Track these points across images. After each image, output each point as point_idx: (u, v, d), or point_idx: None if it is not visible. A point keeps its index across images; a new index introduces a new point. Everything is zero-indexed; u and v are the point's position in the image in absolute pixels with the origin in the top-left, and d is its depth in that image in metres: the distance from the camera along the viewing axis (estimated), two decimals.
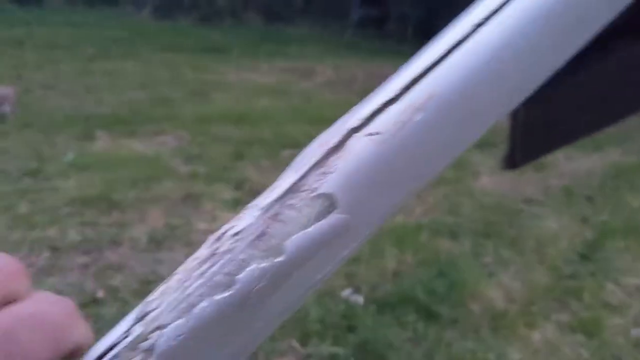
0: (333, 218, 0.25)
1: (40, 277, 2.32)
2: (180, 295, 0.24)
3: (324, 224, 0.25)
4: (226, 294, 0.23)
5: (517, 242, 2.87)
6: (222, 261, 0.24)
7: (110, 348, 0.23)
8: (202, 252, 0.26)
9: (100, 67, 6.60)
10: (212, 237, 0.26)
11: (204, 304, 0.23)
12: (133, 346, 0.23)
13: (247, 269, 0.24)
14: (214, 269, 0.24)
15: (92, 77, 6.06)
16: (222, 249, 0.25)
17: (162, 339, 0.23)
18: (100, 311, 2.12)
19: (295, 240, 0.24)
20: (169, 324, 0.23)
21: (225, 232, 0.26)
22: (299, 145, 3.88)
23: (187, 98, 5.48)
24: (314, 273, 0.25)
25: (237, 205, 3.15)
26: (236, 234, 0.26)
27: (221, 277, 0.24)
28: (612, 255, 2.76)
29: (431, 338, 2.06)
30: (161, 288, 0.25)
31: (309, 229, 0.25)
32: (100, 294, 2.23)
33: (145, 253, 2.58)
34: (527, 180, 3.87)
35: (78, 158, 3.60)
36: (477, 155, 4.36)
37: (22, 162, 3.49)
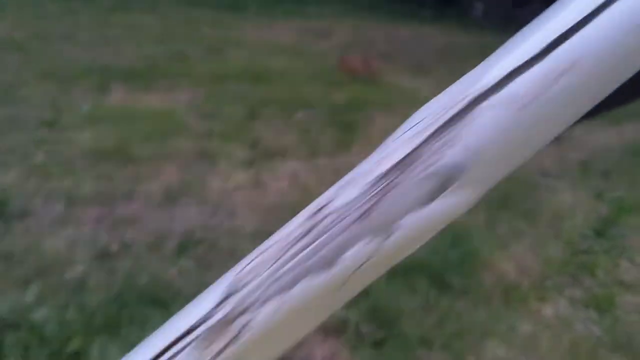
0: (455, 196, 0.22)
1: (55, 229, 2.34)
2: (274, 272, 0.22)
3: (443, 202, 0.22)
4: (325, 274, 0.21)
5: (532, 215, 2.84)
6: (322, 238, 0.22)
7: (196, 326, 0.22)
8: (298, 226, 0.23)
9: (119, 20, 6.52)
10: (308, 210, 0.23)
11: (301, 284, 0.21)
12: (222, 326, 0.21)
13: (352, 249, 0.21)
14: (313, 246, 0.22)
15: (110, 30, 6.00)
16: (322, 225, 0.22)
17: (254, 320, 0.21)
18: (114, 265, 2.14)
19: (409, 220, 0.22)
20: (263, 303, 0.21)
21: (325, 205, 0.23)
22: (313, 107, 3.85)
23: (204, 54, 5.41)
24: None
25: (252, 165, 3.13)
26: (339, 208, 0.23)
27: (320, 256, 0.21)
28: (626, 232, 2.73)
29: (443, 306, 2.06)
30: (252, 263, 0.23)
31: (426, 208, 0.22)
32: (113, 247, 2.24)
33: (160, 208, 2.58)
34: (544, 153, 3.82)
35: (94, 110, 3.58)
36: None
37: (39, 112, 3.48)
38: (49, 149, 3.01)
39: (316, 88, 4.55)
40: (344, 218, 0.22)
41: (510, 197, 3.01)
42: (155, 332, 0.23)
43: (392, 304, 2.03)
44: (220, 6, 8.23)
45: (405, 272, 2.22)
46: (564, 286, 2.27)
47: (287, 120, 3.83)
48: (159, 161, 3.01)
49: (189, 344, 0.21)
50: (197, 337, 0.21)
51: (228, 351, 0.21)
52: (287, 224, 0.23)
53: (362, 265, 0.21)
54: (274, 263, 0.22)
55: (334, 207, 0.23)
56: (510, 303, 2.12)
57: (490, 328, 1.97)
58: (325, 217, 0.22)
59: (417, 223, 0.22)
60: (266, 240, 0.23)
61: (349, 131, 3.74)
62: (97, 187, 2.68)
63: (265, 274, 0.22)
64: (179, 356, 0.21)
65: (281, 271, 0.21)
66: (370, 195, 0.23)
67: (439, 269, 2.24)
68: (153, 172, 2.89)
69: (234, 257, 2.30)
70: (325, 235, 0.21)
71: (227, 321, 0.21)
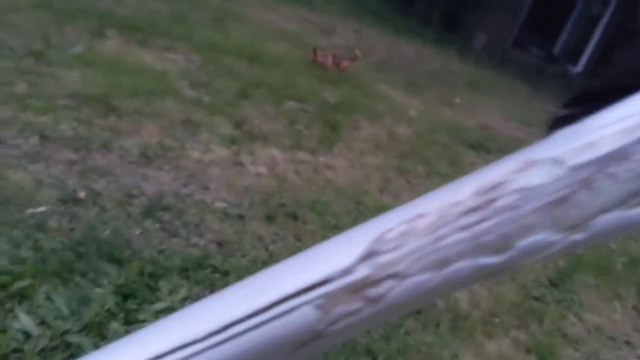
0: None
1: (24, 163, 2.28)
2: (431, 244, 0.19)
3: None
4: (494, 258, 0.19)
5: None
6: (498, 218, 0.19)
7: (321, 282, 0.19)
8: (468, 198, 0.20)
9: None
10: (475, 183, 0.20)
11: (462, 263, 0.19)
12: (355, 288, 0.19)
13: (531, 236, 0.19)
14: (486, 225, 0.19)
15: None
16: (500, 203, 0.20)
17: (396, 290, 0.19)
18: (78, 212, 2.09)
19: (605, 220, 0.19)
20: (411, 275, 0.19)
21: (505, 182, 0.21)
22: (304, 100, 3.83)
23: (205, 23, 5.34)
24: None
25: (233, 143, 3.11)
26: (524, 189, 0.20)
27: (493, 237, 0.19)
28: (580, 289, 2.81)
29: (392, 322, 2.08)
30: (402, 227, 0.20)
31: (627, 210, 0.19)
32: (81, 194, 2.20)
33: (134, 165, 2.54)
34: None
35: (85, 53, 3.50)
36: (471, 156, 4.37)
37: (27, 41, 3.38)
38: (32, 80, 2.93)
39: (310, 81, 4.55)
40: (531, 201, 0.19)
41: None
42: (265, 272, 0.19)
43: None
44: None
45: None
46: (511, 327, 2.32)
47: (276, 107, 3.82)
48: (141, 118, 2.96)
49: (310, 300, 0.18)
50: (322, 295, 0.18)
51: (353, 318, 0.18)
52: (443, 191, 0.20)
53: (536, 256, 0.19)
54: (432, 232, 0.19)
55: (520, 185, 0.20)
56: (457, 331, 2.16)
57: (435, 352, 2.01)
58: (505, 195, 0.20)
59: (611, 226, 0.19)
60: (412, 203, 0.20)
61: (334, 131, 3.75)
62: (75, 131, 2.62)
63: (422, 241, 0.19)
64: (297, 312, 0.18)
65: (441, 244, 0.19)
66: (567, 183, 0.20)
67: None
68: (134, 128, 2.84)
69: (198, 229, 2.28)
70: (503, 215, 0.19)
71: (364, 283, 0.18)
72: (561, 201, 0.19)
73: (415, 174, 3.57)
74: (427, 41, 8.95)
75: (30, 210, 2.02)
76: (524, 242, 0.19)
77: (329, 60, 5.07)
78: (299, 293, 0.18)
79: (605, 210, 0.19)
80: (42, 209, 2.05)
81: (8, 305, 1.68)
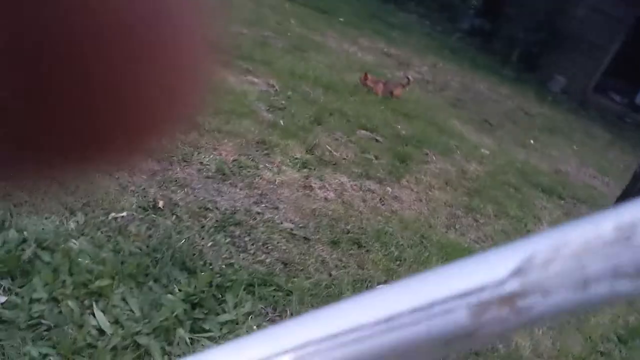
0: None
1: (111, 169, 2.43)
2: (575, 269, 0.21)
3: None
4: (630, 284, 0.20)
5: None
6: (635, 251, 0.20)
7: (477, 290, 0.22)
8: (608, 232, 0.21)
9: None
10: (622, 221, 0.21)
11: (601, 286, 0.20)
12: (505, 299, 0.21)
13: None
14: (624, 256, 0.21)
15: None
16: (636, 240, 0.20)
17: (542, 305, 0.21)
18: (156, 219, 2.21)
19: None
20: (556, 293, 0.21)
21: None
22: (376, 130, 3.86)
23: (287, 49, 5.51)
24: None
25: (304, 167, 3.19)
26: None
27: (631, 267, 0.20)
28: None
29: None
30: (549, 251, 0.22)
31: None
32: (160, 203, 2.32)
33: (210, 180, 2.65)
34: None
35: None
36: (543, 200, 4.27)
37: None
38: None
39: (383, 115, 4.60)
40: None
41: None
42: (426, 275, 0.23)
43: None
44: (313, 5, 8.34)
45: None
46: None
47: (348, 135, 3.88)
48: (220, 136, 3.09)
49: (465, 305, 0.21)
50: (477, 301, 0.21)
51: (500, 325, 0.21)
52: (584, 223, 0.22)
53: None
54: (576, 258, 0.21)
55: None
56: None
57: None
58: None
59: None
60: (557, 230, 0.22)
61: (403, 163, 3.77)
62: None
63: (567, 265, 0.21)
64: (453, 313, 0.21)
65: (584, 269, 0.21)
66: None
67: None
68: (213, 145, 2.97)
69: (266, 247, 2.35)
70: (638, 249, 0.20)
71: (514, 295, 0.21)
72: None
73: (483, 214, 3.53)
74: (504, 80, 8.85)
75: (113, 215, 2.15)
76: None
77: (379, 87, 5.08)
78: (457, 297, 0.21)
79: None
80: (123, 214, 2.18)
81: (86, 302, 1.79)
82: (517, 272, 0.22)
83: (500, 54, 10.82)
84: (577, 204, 4.53)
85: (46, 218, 2.04)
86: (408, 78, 5.29)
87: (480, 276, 0.22)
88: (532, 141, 5.96)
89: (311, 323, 0.22)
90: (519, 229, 3.55)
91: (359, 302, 0.22)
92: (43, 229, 1.98)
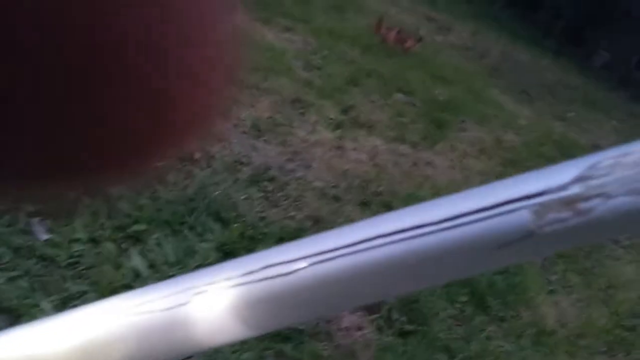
0: None
1: None
2: (636, 175, 0.22)
3: None
4: None
5: (588, 274, 2.80)
6: None
7: (541, 193, 0.23)
8: None
9: None
10: None
11: None
12: (567, 201, 0.22)
13: None
14: None
15: None
16: None
17: (602, 207, 0.22)
18: (193, 170, 2.26)
19: None
20: (616, 196, 0.22)
21: None
22: (413, 94, 3.81)
23: (326, 8, 5.44)
24: None
25: (338, 128, 3.19)
26: None
27: None
28: None
29: (474, 324, 2.09)
30: (609, 161, 0.23)
31: None
32: (197, 155, 2.36)
33: (245, 136, 2.68)
34: None
35: None
36: None
37: None
38: None
39: (421, 78, 4.54)
40: None
41: (571, 250, 2.97)
42: (493, 183, 0.24)
43: (428, 305, 2.07)
44: None
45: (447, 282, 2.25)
46: (596, 352, 2.25)
47: (384, 97, 3.86)
48: (257, 93, 3.10)
49: (527, 206, 0.23)
50: (539, 203, 0.22)
51: (561, 225, 0.22)
52: None
53: None
54: (637, 166, 0.23)
55: None
56: (540, 346, 2.13)
57: None
58: None
59: None
60: (621, 146, 0.24)
61: (439, 129, 3.73)
62: None
63: (629, 172, 0.23)
64: (515, 213, 0.23)
65: None
66: None
67: (483, 289, 2.25)
68: (249, 101, 2.99)
69: (297, 204, 2.38)
70: None
71: (576, 198, 0.22)
72: None
73: None
74: (545, 51, 8.61)
75: None
76: None
77: (392, 35, 4.98)
78: (520, 199, 0.22)
79: None
80: (162, 163, 2.22)
81: (124, 245, 1.86)
82: (580, 178, 0.23)
83: (544, 25, 10.47)
84: None
85: None
86: (420, 35, 5.17)
87: (544, 182, 0.23)
88: (570, 114, 5.83)
89: (383, 220, 0.24)
90: None
91: (428, 204, 0.24)
92: None
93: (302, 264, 0.26)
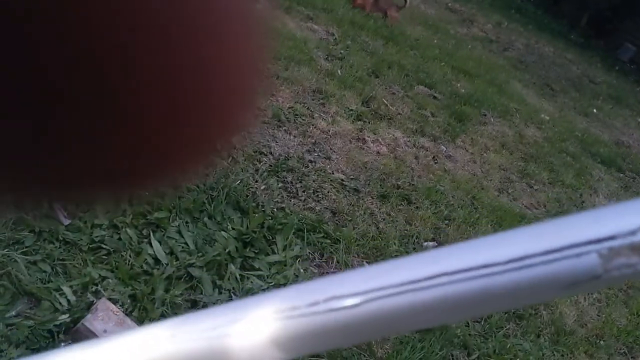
0: None
1: None
2: None
3: None
4: None
5: None
6: None
7: (609, 238, 0.22)
8: None
9: None
10: None
11: None
12: (636, 247, 0.22)
13: None
14: None
15: None
16: None
17: None
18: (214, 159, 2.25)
19: None
20: None
21: None
22: (435, 86, 3.78)
23: None
24: None
25: (359, 119, 3.17)
26: None
27: None
28: None
29: (492, 322, 2.07)
30: None
31: None
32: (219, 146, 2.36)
33: (266, 126, 2.68)
34: None
35: None
36: (600, 171, 4.14)
37: None
38: None
39: (443, 71, 4.49)
40: None
41: None
42: (560, 220, 0.24)
43: None
44: None
45: None
46: (616, 353, 2.22)
47: (406, 90, 3.82)
48: (278, 82, 3.09)
49: (596, 250, 0.23)
50: (608, 247, 0.22)
51: (629, 270, 0.22)
52: None
53: None
54: None
55: None
56: (558, 345, 2.10)
57: None
58: None
59: None
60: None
61: (460, 122, 3.70)
62: None
63: None
64: (583, 257, 0.22)
65: None
66: None
67: None
68: (270, 90, 2.98)
69: (316, 195, 2.37)
70: None
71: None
72: None
73: (538, 180, 3.45)
74: (570, 44, 8.47)
75: None
76: None
77: (368, 3, 4.92)
78: (590, 243, 0.22)
79: None
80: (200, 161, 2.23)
81: (145, 232, 1.87)
82: None
83: (569, 17, 10.33)
84: (636, 178, 4.37)
85: None
86: (405, 2, 5.05)
87: (613, 225, 0.23)
88: (594, 110, 5.73)
89: (446, 255, 0.23)
90: (573, 198, 3.47)
91: (491, 240, 0.23)
92: None
93: (356, 300, 0.25)
